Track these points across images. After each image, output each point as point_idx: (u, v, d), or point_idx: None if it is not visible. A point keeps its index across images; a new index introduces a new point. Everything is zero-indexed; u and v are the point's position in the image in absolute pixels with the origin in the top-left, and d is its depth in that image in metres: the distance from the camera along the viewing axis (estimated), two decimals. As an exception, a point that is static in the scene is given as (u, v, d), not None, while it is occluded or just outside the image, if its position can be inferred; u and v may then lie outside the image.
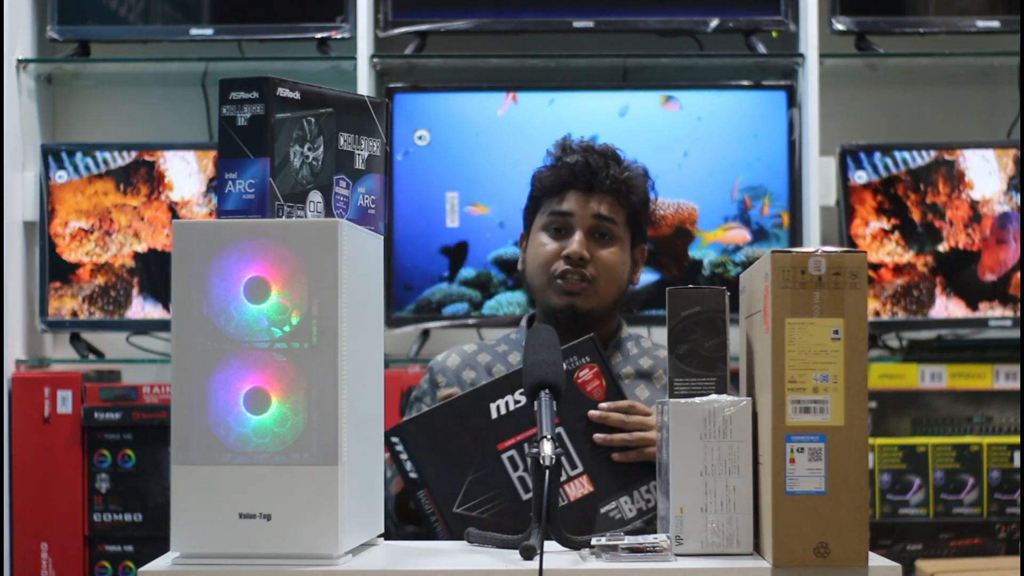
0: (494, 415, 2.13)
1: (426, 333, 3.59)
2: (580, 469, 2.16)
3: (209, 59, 3.61)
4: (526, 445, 2.09)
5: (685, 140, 3.52)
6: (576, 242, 2.48)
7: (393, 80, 3.61)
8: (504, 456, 2.12)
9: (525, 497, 2.10)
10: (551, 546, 1.83)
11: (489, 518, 2.08)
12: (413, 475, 2.12)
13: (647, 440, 2.20)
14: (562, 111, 3.53)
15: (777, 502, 1.73)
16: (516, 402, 2.15)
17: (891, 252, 3.49)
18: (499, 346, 2.61)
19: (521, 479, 2.14)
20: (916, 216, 3.50)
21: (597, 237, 2.50)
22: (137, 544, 3.35)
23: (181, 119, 3.75)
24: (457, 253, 3.52)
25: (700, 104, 3.54)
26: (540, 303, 2.53)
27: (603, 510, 2.14)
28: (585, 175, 2.50)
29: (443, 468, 2.10)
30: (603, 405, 2.22)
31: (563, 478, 2.13)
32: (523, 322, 2.64)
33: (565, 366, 2.17)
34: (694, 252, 3.52)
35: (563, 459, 2.12)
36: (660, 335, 3.46)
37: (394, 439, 2.13)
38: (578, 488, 2.15)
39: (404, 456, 2.12)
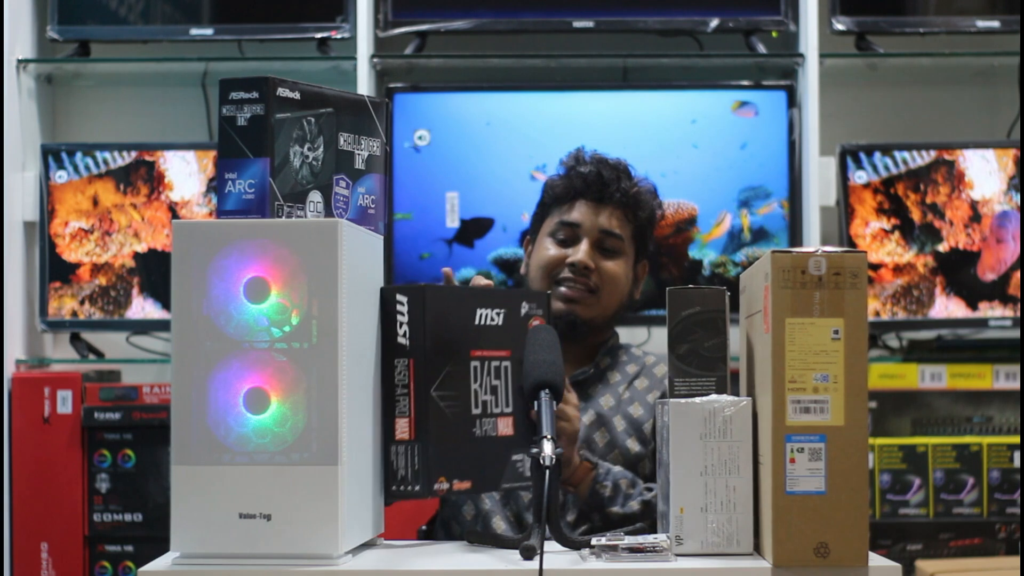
0: (476, 321, 2.09)
1: (426, 333, 3.59)
2: (510, 410, 2.11)
3: (209, 59, 3.61)
4: (492, 365, 2.05)
5: (684, 140, 3.52)
6: (582, 251, 2.50)
7: (393, 80, 3.61)
8: (471, 364, 2.07)
9: (474, 411, 2.03)
10: (551, 546, 1.84)
11: (450, 415, 2.02)
12: (402, 341, 2.02)
13: (562, 413, 2.21)
14: (563, 111, 3.53)
15: (777, 502, 1.73)
16: (492, 319, 2.09)
17: (891, 252, 3.49)
18: None
19: (475, 392, 2.07)
20: (916, 216, 3.50)
21: (602, 250, 2.52)
22: (137, 544, 3.35)
23: (181, 119, 3.75)
24: (479, 226, 3.50)
25: (700, 104, 3.53)
26: None
27: (514, 458, 2.10)
28: (596, 186, 2.53)
29: (435, 347, 2.01)
30: None
31: (498, 411, 2.08)
32: None
33: (525, 308, 2.14)
34: (694, 252, 3.52)
35: (501, 394, 2.09)
36: (660, 335, 3.46)
37: (401, 297, 1.98)
38: (504, 427, 2.09)
39: (403, 319, 2.03)
